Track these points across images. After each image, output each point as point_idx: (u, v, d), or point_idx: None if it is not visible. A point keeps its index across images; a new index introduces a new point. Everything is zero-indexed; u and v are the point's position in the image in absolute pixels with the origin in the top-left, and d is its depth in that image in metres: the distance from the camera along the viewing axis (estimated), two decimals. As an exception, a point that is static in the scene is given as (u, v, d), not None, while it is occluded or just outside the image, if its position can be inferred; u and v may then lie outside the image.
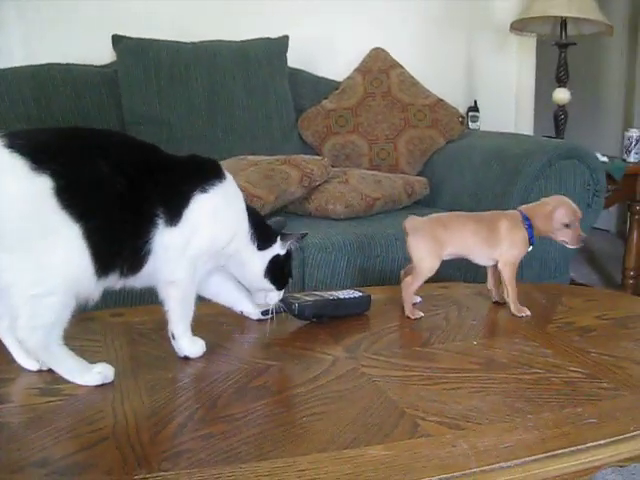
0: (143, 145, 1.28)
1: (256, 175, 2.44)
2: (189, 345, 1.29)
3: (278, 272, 1.42)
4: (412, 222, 1.58)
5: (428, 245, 1.55)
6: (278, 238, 1.42)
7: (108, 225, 1.13)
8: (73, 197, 1.08)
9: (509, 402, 1.11)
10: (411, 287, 1.54)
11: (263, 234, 1.40)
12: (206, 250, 1.29)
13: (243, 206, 1.37)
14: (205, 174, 1.30)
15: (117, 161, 1.16)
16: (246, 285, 1.45)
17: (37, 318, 1.10)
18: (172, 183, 1.24)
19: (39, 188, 1.06)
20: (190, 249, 1.25)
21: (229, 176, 1.35)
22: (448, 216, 1.67)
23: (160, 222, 1.20)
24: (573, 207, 1.60)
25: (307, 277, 2.21)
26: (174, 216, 1.22)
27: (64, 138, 1.16)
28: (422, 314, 1.53)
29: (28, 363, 1.23)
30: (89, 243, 1.10)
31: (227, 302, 1.49)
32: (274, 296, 1.44)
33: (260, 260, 1.39)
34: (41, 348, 1.15)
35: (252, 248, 1.37)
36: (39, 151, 1.08)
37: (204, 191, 1.27)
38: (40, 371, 1.22)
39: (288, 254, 1.44)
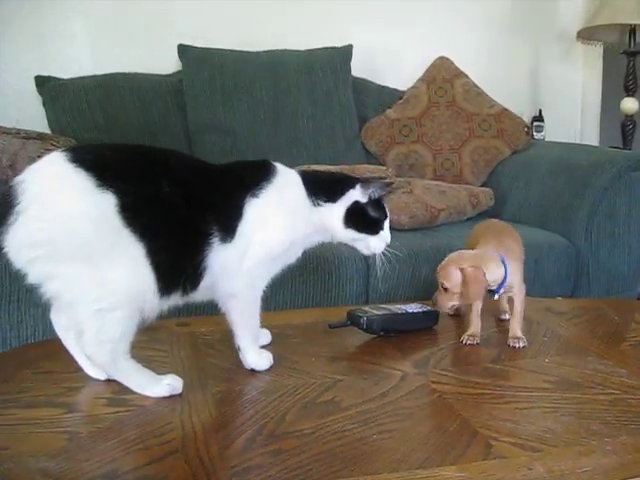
0: (197, 164, 1.28)
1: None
2: (256, 358, 1.29)
3: (361, 219, 1.37)
4: None
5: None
6: (358, 185, 1.37)
7: (170, 244, 1.13)
8: (137, 216, 1.09)
9: (584, 424, 1.08)
10: None
11: (330, 187, 1.37)
12: (263, 258, 1.27)
13: (299, 193, 1.34)
14: (253, 179, 1.28)
15: (176, 182, 1.16)
16: (339, 241, 1.41)
17: (103, 333, 1.10)
18: (224, 199, 1.23)
19: (104, 205, 1.06)
20: (247, 260, 1.24)
21: (279, 170, 1.32)
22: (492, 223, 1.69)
23: (215, 240, 1.19)
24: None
25: (371, 289, 2.20)
26: (229, 232, 1.21)
27: (127, 157, 1.16)
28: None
29: (95, 372, 1.24)
30: (152, 261, 1.10)
31: None
32: (374, 242, 1.40)
33: (335, 212, 1.35)
34: (109, 362, 1.15)
35: (322, 206, 1.35)
36: (103, 168, 1.08)
37: (254, 196, 1.25)
38: (107, 380, 1.22)
39: (373, 201, 1.38)
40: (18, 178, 1.07)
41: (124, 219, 1.07)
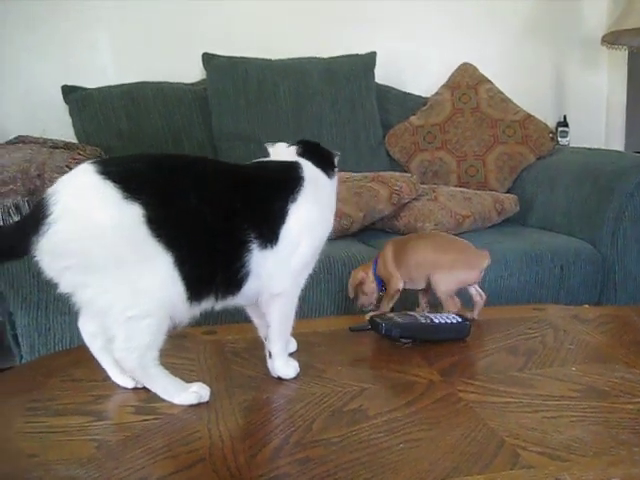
0: (228, 169, 1.29)
1: (345, 192, 2.43)
2: (283, 366, 1.29)
3: None
4: None
5: None
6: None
7: (199, 254, 1.14)
8: (164, 227, 1.09)
9: (613, 433, 1.07)
10: None
11: (330, 155, 1.43)
12: (311, 257, 1.30)
13: (321, 178, 1.36)
14: (288, 183, 1.28)
15: (205, 192, 1.16)
16: None
17: (133, 340, 1.12)
18: (259, 205, 1.23)
19: (130, 216, 1.07)
20: (295, 261, 1.26)
21: (302, 167, 1.33)
22: None
23: (254, 246, 1.19)
24: None
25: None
26: (271, 237, 1.21)
27: (155, 167, 1.17)
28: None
29: (123, 380, 1.25)
30: (181, 271, 1.11)
31: None
32: None
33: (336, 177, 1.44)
34: (138, 368, 1.16)
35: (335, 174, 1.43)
36: (130, 180, 1.09)
37: (294, 201, 1.26)
38: (135, 389, 1.23)
39: None
40: (50, 189, 1.08)
41: (151, 229, 1.08)
